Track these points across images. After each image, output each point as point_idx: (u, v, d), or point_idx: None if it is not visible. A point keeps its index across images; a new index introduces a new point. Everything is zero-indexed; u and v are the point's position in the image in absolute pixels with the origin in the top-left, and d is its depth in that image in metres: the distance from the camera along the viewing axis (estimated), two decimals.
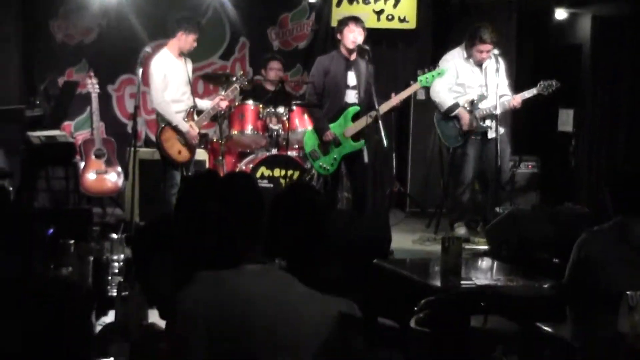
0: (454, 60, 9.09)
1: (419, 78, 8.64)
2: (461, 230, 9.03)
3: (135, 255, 3.10)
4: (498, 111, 8.71)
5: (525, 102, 8.98)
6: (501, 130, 8.89)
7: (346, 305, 2.90)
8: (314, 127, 8.83)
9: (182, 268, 2.90)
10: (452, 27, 11.52)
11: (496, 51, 8.92)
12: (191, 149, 8.64)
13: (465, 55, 9.07)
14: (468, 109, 8.96)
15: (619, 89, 10.75)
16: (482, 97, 8.96)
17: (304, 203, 3.65)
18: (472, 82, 9.04)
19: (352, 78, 8.67)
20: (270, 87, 10.04)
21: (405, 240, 9.05)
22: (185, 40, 8.53)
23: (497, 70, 8.80)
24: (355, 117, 8.60)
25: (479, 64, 9.03)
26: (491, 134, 8.90)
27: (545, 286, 5.07)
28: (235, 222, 3.02)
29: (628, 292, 3.68)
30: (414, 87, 8.69)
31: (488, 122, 8.95)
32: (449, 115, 9.03)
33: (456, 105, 8.99)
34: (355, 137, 8.63)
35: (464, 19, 11.11)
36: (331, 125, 8.62)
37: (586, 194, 10.51)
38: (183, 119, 8.59)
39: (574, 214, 7.87)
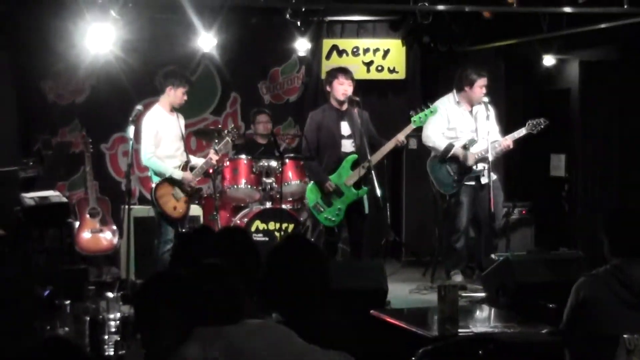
0: (445, 105, 9.16)
1: (413, 119, 8.67)
2: (458, 278, 9.03)
3: (136, 312, 3.10)
4: (490, 156, 8.75)
5: (517, 147, 9.05)
6: (494, 176, 8.93)
7: (344, 359, 2.90)
8: (314, 180, 8.84)
9: (183, 323, 2.89)
10: (441, 76, 11.61)
11: (486, 99, 9.00)
12: (187, 204, 8.64)
13: (456, 99, 9.15)
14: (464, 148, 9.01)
15: (609, 132, 10.80)
16: (472, 142, 9.01)
17: (300, 254, 3.66)
18: (464, 127, 9.10)
19: (345, 128, 8.72)
20: (261, 141, 10.08)
21: (402, 290, 9.04)
22: (175, 94, 8.57)
23: (488, 117, 8.85)
24: (355, 165, 8.64)
25: (469, 110, 9.10)
26: (484, 180, 8.92)
27: (543, 332, 5.07)
28: (233, 276, 3.03)
29: (625, 335, 3.67)
30: (407, 129, 8.71)
31: (480, 166, 8.98)
32: (445, 157, 9.06)
33: (451, 146, 9.03)
34: (357, 185, 8.66)
35: (452, 67, 11.20)
36: (331, 177, 8.65)
37: (581, 239, 10.50)
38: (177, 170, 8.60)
39: (570, 258, 7.88)
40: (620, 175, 10.66)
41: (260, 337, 2.87)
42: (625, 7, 8.54)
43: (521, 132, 8.96)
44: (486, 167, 8.85)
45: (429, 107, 8.79)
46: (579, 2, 8.58)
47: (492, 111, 9.02)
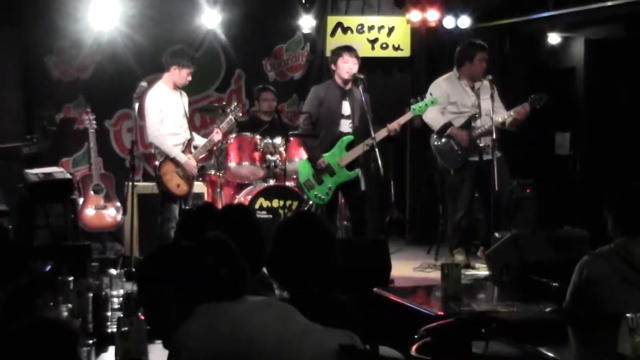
0: (444, 82, 9.14)
1: (412, 107, 8.66)
2: (460, 257, 9.02)
3: (139, 286, 3.10)
4: (494, 134, 8.69)
5: (523, 125, 9.00)
6: (498, 154, 8.89)
7: (347, 337, 2.89)
8: (307, 156, 8.83)
9: (185, 299, 2.90)
10: (446, 54, 11.57)
11: (490, 76, 8.96)
12: (190, 182, 8.65)
13: (457, 75, 9.11)
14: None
15: (614, 111, 10.77)
16: (474, 117, 8.96)
17: (310, 230, 3.65)
18: (466, 102, 9.05)
19: (346, 107, 8.69)
20: (266, 118, 10.06)
21: (406, 268, 9.04)
22: (179, 74, 8.55)
23: (492, 96, 8.81)
24: (350, 146, 8.61)
25: (471, 86, 9.04)
26: (487, 156, 8.87)
27: (547, 310, 5.06)
28: (235, 251, 3.03)
29: (628, 315, 3.66)
30: (407, 116, 8.69)
31: (484, 142, 8.92)
32: (441, 134, 9.04)
33: (448, 124, 9.00)
34: (350, 166, 8.64)
35: (458, 45, 11.17)
36: (325, 155, 8.62)
37: (584, 217, 10.49)
38: (181, 152, 8.59)
39: (574, 237, 7.86)
40: (625, 154, 10.63)
41: (263, 314, 2.87)
42: None
43: (524, 106, 8.88)
44: (490, 144, 8.80)
45: (430, 96, 8.77)
46: None
47: (495, 89, 8.99)
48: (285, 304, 3.03)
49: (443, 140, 9.07)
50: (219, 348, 2.74)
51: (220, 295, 2.88)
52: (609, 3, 9.43)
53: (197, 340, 2.76)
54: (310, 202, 9.12)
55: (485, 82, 8.97)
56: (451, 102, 9.07)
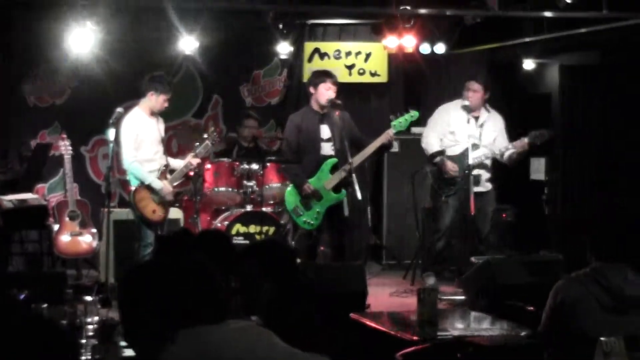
0: (449, 109, 9.24)
1: (393, 123, 8.69)
2: (430, 280, 9.02)
3: (120, 306, 3.07)
4: (489, 161, 8.80)
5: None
6: (489, 185, 8.96)
7: None
8: (293, 183, 8.83)
9: (168, 322, 2.88)
10: (423, 80, 11.64)
11: (493, 111, 9.13)
12: (166, 208, 8.62)
13: (463, 104, 9.19)
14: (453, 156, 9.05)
15: (589, 136, 10.84)
16: (473, 147, 9.01)
17: (274, 258, 3.65)
18: (463, 131, 9.12)
19: (325, 131, 8.72)
20: (244, 144, 10.07)
21: (382, 293, 9.04)
22: (156, 100, 8.54)
23: (492, 127, 8.95)
24: (334, 169, 8.63)
25: (475, 116, 9.10)
26: (477, 188, 8.95)
27: (522, 334, 5.08)
28: (217, 274, 3.01)
29: (602, 338, 3.68)
30: (388, 133, 8.72)
31: (477, 172, 8.98)
32: (432, 161, 9.11)
33: (440, 153, 9.06)
34: (336, 188, 8.66)
35: (434, 71, 11.23)
36: (310, 180, 8.64)
37: (560, 242, 10.54)
38: (156, 178, 8.57)
39: (549, 261, 7.92)
40: (599, 179, 10.70)
41: (246, 338, 2.85)
42: (604, 12, 8.56)
43: (523, 141, 8.97)
44: (481, 175, 8.89)
45: (409, 112, 8.80)
46: (559, 7, 8.61)
47: (499, 123, 9.09)
48: (264, 329, 3.02)
49: (437, 166, 9.13)
50: None
51: (203, 319, 2.86)
52: (584, 30, 9.52)
53: None
54: (288, 227, 9.12)
55: (496, 114, 9.08)
56: (450, 132, 9.16)
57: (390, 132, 8.63)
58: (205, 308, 2.88)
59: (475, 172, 9.02)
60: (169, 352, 2.76)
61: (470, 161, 8.99)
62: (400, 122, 8.70)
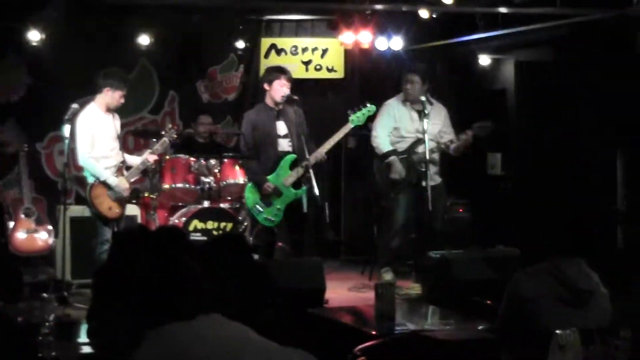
0: (393, 105, 9.21)
1: (350, 118, 8.70)
2: (388, 276, 9.04)
3: (95, 304, 3.03)
4: (437, 155, 8.79)
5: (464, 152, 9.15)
6: (439, 179, 8.97)
7: (305, 357, 2.89)
8: (252, 181, 8.81)
9: (142, 320, 2.85)
10: (379, 75, 11.67)
11: (434, 102, 9.09)
12: (122, 205, 8.56)
13: (402, 99, 9.19)
14: (403, 157, 9.05)
15: (544, 131, 10.93)
16: (418, 142, 9.02)
17: (229, 254, 3.64)
18: (409, 127, 9.12)
19: (282, 127, 8.70)
20: (201, 140, 10.04)
21: (340, 288, 9.06)
22: (112, 96, 8.47)
23: (434, 118, 8.92)
24: (293, 165, 8.62)
25: (418, 111, 9.09)
26: (428, 182, 8.95)
27: (479, 328, 5.12)
28: (193, 272, 3.00)
29: (558, 331, 3.72)
30: (345, 128, 8.74)
31: (424, 167, 8.98)
32: (384, 160, 9.11)
33: (391, 153, 9.07)
34: (296, 184, 8.65)
35: (390, 66, 11.26)
36: (269, 177, 8.62)
37: (517, 236, 10.62)
38: (112, 175, 8.51)
39: (506, 256, 7.97)
40: (555, 175, 10.79)
41: (220, 330, 2.84)
42: (558, 8, 8.64)
43: (467, 133, 8.98)
44: (429, 169, 8.88)
45: (367, 106, 8.82)
46: (514, 3, 8.68)
47: (442, 113, 9.09)
48: (237, 322, 3.01)
49: (386, 165, 9.14)
50: None
51: (179, 314, 2.85)
52: (538, 25, 9.60)
53: None
54: (246, 224, 9.11)
55: (439, 105, 9.08)
56: (395, 127, 9.16)
57: (328, 142, 8.63)
58: (183, 303, 2.86)
59: (423, 166, 9.00)
60: (142, 351, 2.74)
61: (416, 156, 9.00)
62: (358, 116, 8.71)
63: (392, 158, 9.08)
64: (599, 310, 4.51)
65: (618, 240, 8.95)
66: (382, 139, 9.15)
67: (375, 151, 9.25)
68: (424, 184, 8.95)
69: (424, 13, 9.64)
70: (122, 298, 2.85)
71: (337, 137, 8.68)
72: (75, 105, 8.38)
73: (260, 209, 8.68)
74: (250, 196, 8.74)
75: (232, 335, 2.83)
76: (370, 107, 8.81)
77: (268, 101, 8.71)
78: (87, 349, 3.70)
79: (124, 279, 2.87)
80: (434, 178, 8.99)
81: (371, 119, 9.16)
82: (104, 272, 2.96)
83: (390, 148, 9.11)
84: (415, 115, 9.12)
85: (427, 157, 8.79)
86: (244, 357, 2.74)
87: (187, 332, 2.76)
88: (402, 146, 9.13)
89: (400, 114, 9.17)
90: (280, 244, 9.30)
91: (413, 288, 8.79)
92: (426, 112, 8.93)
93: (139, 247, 3.07)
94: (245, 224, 9.13)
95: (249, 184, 8.86)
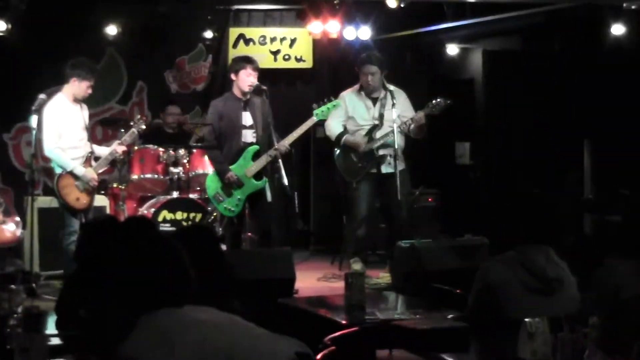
0: (347, 95, 9.18)
1: (315, 112, 8.68)
2: (357, 266, 9.02)
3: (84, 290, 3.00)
4: (396, 144, 8.73)
5: (424, 135, 9.10)
6: (401, 166, 8.94)
7: (294, 344, 2.89)
8: (214, 169, 8.80)
9: (130, 300, 2.83)
10: (348, 65, 11.67)
11: (391, 87, 9.03)
12: (90, 195, 8.51)
13: (357, 88, 9.16)
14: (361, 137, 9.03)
15: (512, 120, 10.99)
16: (375, 128, 9.00)
17: (198, 244, 3.62)
18: (365, 115, 9.09)
19: (247, 118, 8.67)
20: (169, 130, 10.00)
21: (310, 278, 9.07)
22: (79, 86, 8.41)
23: (394, 105, 8.86)
24: (256, 156, 8.60)
25: (373, 99, 9.07)
26: (386, 169, 8.93)
27: (449, 317, 5.14)
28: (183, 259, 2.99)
29: (527, 319, 3.75)
30: (310, 122, 8.72)
31: (383, 152, 8.96)
32: (338, 144, 9.09)
33: (343, 134, 9.05)
34: (257, 176, 8.63)
35: (359, 56, 11.25)
36: (232, 167, 8.60)
37: (485, 225, 10.67)
38: (80, 165, 8.45)
39: (475, 245, 8.01)
40: (523, 163, 10.85)
41: (212, 316, 2.83)
42: None
43: (420, 113, 8.91)
44: (390, 155, 8.85)
45: (332, 100, 8.81)
46: None
47: (402, 97, 9.04)
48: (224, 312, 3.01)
49: (343, 153, 9.10)
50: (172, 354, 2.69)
51: (170, 301, 2.83)
52: (505, 15, 9.64)
53: (149, 350, 2.69)
54: (215, 214, 9.08)
55: (397, 90, 9.05)
56: (350, 116, 9.12)
57: (293, 134, 8.61)
58: (173, 290, 2.85)
59: (382, 152, 8.97)
60: (135, 336, 2.72)
61: (375, 143, 8.97)
62: (322, 110, 8.70)
63: (347, 137, 9.05)
64: (568, 298, 4.54)
65: (585, 228, 9.02)
66: (333, 127, 9.10)
67: (332, 142, 9.20)
68: (383, 170, 8.93)
69: (391, 2, 9.62)
70: (112, 287, 2.83)
71: (300, 130, 8.65)
72: (42, 96, 8.32)
73: (221, 198, 8.66)
74: (212, 185, 8.72)
75: (223, 321, 2.82)
76: (335, 102, 8.80)
77: (235, 91, 8.68)
78: (55, 341, 3.68)
79: (135, 259, 2.85)
80: (394, 164, 8.89)
81: None
82: (86, 262, 2.94)
83: (341, 130, 9.08)
84: (370, 102, 9.10)
85: (387, 140, 8.76)
86: (235, 342, 2.74)
87: (179, 317, 2.75)
88: (359, 135, 9.10)
89: (353, 104, 9.13)
90: (249, 234, 9.30)
91: (383, 277, 8.81)
92: (381, 99, 8.94)
93: (107, 237, 3.05)
94: (215, 214, 9.10)
95: (211, 174, 8.84)
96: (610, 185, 8.87)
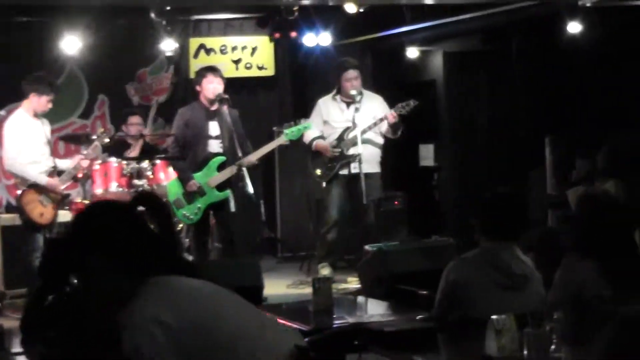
0: (322, 101, 9.26)
1: (285, 132, 8.74)
2: (325, 271, 9.04)
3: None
4: (361, 148, 8.76)
5: (387, 139, 9.15)
6: (373, 170, 8.99)
7: (299, 339, 2.92)
8: (178, 177, 8.78)
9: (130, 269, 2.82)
10: (310, 72, 11.69)
11: (367, 92, 9.12)
12: (54, 210, 8.46)
13: (334, 93, 9.20)
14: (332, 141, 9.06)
15: (475, 121, 11.05)
16: (347, 130, 9.03)
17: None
18: (338, 118, 9.13)
19: (214, 128, 8.66)
20: (132, 143, 9.95)
21: (279, 286, 9.06)
22: (38, 101, 8.36)
23: (357, 109, 8.92)
24: (221, 167, 8.59)
25: (348, 103, 9.10)
26: (355, 169, 8.95)
27: (417, 318, 5.15)
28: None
29: (494, 317, 3.76)
30: (278, 141, 8.79)
31: (353, 151, 8.96)
32: (310, 148, 9.14)
33: (316, 138, 9.10)
34: (220, 186, 8.61)
35: (320, 62, 11.29)
36: (195, 175, 8.58)
37: (451, 226, 10.72)
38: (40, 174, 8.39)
39: (441, 246, 8.03)
40: (487, 163, 10.92)
41: (211, 288, 2.86)
42: None
43: (392, 112, 8.95)
44: (359, 157, 8.86)
45: (302, 122, 8.85)
46: None
47: (376, 101, 9.11)
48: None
49: (315, 156, 9.15)
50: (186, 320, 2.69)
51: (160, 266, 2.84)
52: (464, 16, 9.69)
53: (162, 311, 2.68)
54: (182, 225, 9.06)
55: (372, 94, 9.12)
56: (324, 121, 9.18)
57: (261, 151, 8.65)
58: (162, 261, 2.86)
59: (352, 151, 8.97)
60: (142, 297, 2.70)
61: (343, 143, 9.00)
62: (292, 131, 8.74)
63: (317, 142, 9.10)
64: (533, 294, 4.58)
65: (549, 225, 9.08)
66: (310, 132, 9.15)
67: (308, 146, 9.25)
68: (352, 171, 8.93)
69: (350, 7, 9.66)
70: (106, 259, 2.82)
71: (268, 147, 8.77)
72: (2, 112, 8.28)
73: (182, 205, 8.64)
74: (173, 190, 8.70)
75: (230, 300, 2.85)
76: (306, 124, 8.86)
77: (202, 100, 8.68)
78: (21, 359, 3.65)
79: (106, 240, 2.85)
80: (364, 166, 8.92)
81: (305, 115, 9.19)
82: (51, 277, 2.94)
83: (317, 134, 9.13)
84: (344, 105, 9.15)
85: (358, 140, 8.78)
86: (243, 325, 2.74)
87: (180, 280, 2.77)
88: (333, 137, 9.15)
89: (328, 108, 9.20)
90: (216, 243, 9.28)
91: (351, 282, 8.82)
92: (357, 102, 8.97)
93: (71, 252, 3.03)
94: (182, 225, 9.07)
95: (173, 179, 8.82)
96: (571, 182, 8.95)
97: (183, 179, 8.64)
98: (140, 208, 2.97)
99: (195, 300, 2.74)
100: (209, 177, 8.57)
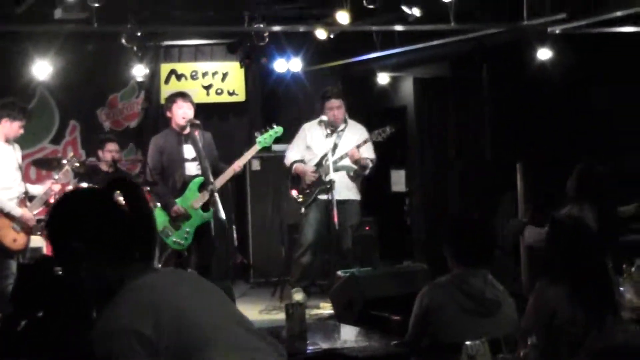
0: (308, 125, 9.30)
1: (258, 140, 8.73)
2: (298, 296, 9.02)
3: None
4: (333, 175, 8.77)
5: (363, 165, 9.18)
6: (353, 197, 9.03)
7: (279, 354, 2.92)
8: (160, 204, 8.76)
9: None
10: (281, 97, 11.73)
11: (352, 121, 9.16)
12: (27, 236, 8.42)
13: (320, 119, 9.21)
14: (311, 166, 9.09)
15: (445, 146, 11.11)
16: (326, 156, 9.03)
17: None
18: (320, 144, 9.13)
19: (189, 151, 8.67)
20: (105, 168, 9.92)
21: (252, 311, 9.02)
22: (10, 127, 8.33)
23: (355, 133, 9.00)
24: (202, 188, 8.59)
25: (333, 130, 9.11)
26: (330, 195, 8.96)
27: (391, 344, 5.16)
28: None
29: (467, 342, 3.79)
30: (253, 150, 8.77)
31: (330, 178, 8.95)
32: (290, 171, 9.17)
33: (296, 162, 9.13)
34: (205, 207, 8.62)
35: (291, 88, 11.33)
36: (177, 200, 8.58)
37: (423, 251, 10.75)
38: (15, 205, 8.36)
39: (413, 271, 8.06)
40: (457, 188, 10.97)
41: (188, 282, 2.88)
42: (452, 24, 8.79)
43: (367, 140, 8.99)
44: (334, 183, 8.87)
45: (273, 127, 8.85)
46: (409, 21, 8.80)
47: (358, 131, 9.16)
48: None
49: (294, 180, 9.18)
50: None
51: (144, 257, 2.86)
52: (434, 42, 9.77)
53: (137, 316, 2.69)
54: (169, 250, 9.03)
55: (355, 124, 9.16)
56: (307, 146, 9.21)
57: (242, 161, 8.66)
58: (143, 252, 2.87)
59: (330, 177, 8.95)
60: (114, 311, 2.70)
61: (322, 168, 9.02)
62: (265, 138, 8.75)
63: (297, 165, 9.13)
64: (506, 319, 4.62)
65: (520, 250, 9.12)
66: (291, 156, 9.20)
67: (288, 169, 9.28)
68: (328, 197, 8.92)
69: (321, 33, 9.72)
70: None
71: (246, 157, 8.75)
72: None
73: (170, 232, 8.63)
74: (159, 219, 8.67)
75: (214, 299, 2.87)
76: (277, 129, 8.85)
77: (173, 126, 8.70)
78: None
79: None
80: (342, 193, 8.95)
81: (278, 140, 9.18)
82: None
83: (298, 158, 9.16)
84: (328, 131, 9.16)
85: (331, 170, 8.78)
86: (219, 325, 2.78)
87: (156, 284, 2.78)
88: (314, 162, 9.17)
89: (312, 133, 9.23)
90: (189, 270, 9.24)
91: (324, 307, 8.81)
92: (341, 130, 9.03)
93: (44, 278, 3.03)
94: (169, 250, 9.03)
95: (158, 208, 8.80)
96: (542, 207, 9.01)
97: (165, 204, 8.63)
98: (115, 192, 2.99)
99: (173, 309, 2.74)
100: (192, 200, 8.57)
